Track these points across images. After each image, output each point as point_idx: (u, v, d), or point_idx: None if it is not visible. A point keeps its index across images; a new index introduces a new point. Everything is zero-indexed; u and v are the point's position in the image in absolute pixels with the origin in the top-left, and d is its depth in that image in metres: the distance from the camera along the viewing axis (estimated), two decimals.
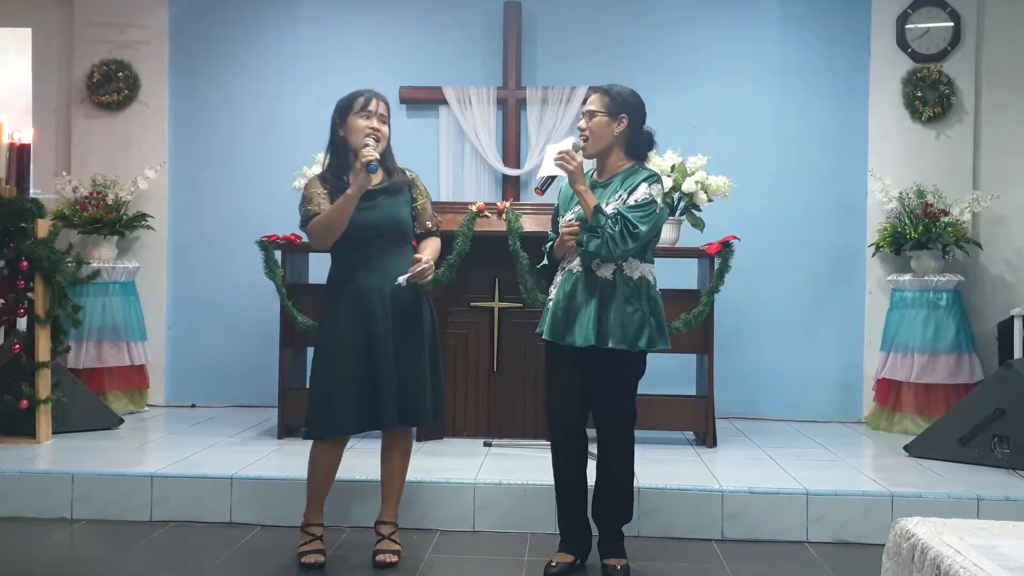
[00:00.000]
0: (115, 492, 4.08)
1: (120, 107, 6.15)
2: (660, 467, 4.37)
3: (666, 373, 5.43)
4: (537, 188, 3.43)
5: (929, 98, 5.83)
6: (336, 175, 3.50)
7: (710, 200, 5.13)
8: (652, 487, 3.99)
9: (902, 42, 5.91)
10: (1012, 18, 5.85)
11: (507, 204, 5.02)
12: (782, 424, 5.78)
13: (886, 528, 2.43)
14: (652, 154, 5.10)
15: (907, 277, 5.58)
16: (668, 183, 5.03)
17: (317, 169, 5.02)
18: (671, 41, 6.14)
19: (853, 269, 6.00)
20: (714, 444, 4.96)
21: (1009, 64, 5.83)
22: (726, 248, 4.90)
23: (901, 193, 5.63)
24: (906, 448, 4.84)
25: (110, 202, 5.82)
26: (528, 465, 4.35)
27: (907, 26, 5.90)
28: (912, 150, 5.88)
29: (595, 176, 3.50)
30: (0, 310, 4.95)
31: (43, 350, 4.90)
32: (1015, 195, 5.71)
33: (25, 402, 4.80)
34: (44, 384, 4.89)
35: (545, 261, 3.58)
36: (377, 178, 3.50)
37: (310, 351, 4.42)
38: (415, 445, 4.79)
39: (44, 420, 4.86)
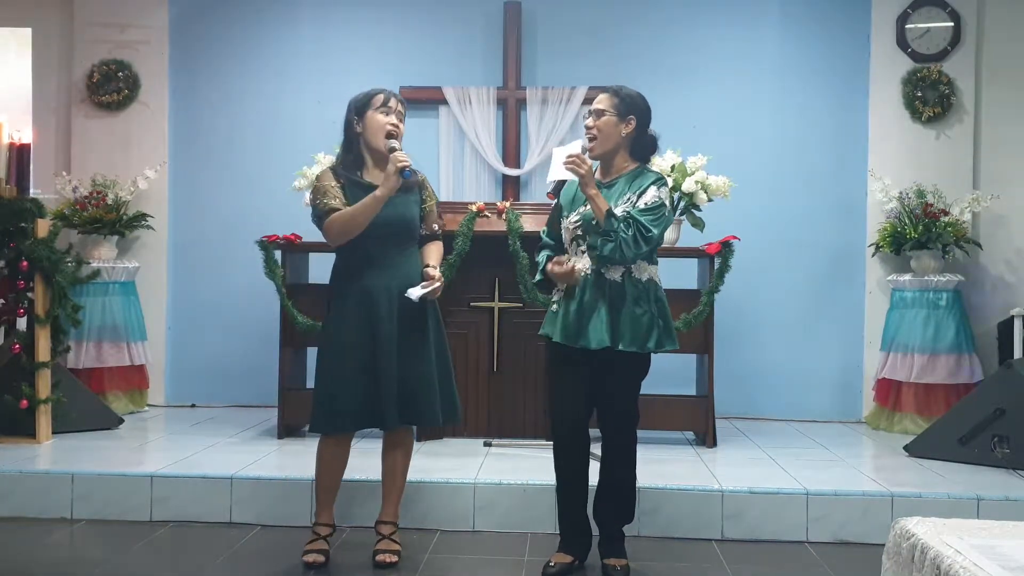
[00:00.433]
0: (115, 492, 4.08)
1: (120, 107, 6.15)
2: (660, 467, 4.37)
3: (666, 373, 5.42)
4: (550, 193, 3.41)
5: (929, 98, 5.83)
6: (349, 170, 3.50)
7: (710, 200, 5.12)
8: (652, 487, 3.99)
9: (902, 42, 5.91)
10: (1012, 18, 5.85)
11: (507, 204, 5.02)
12: (782, 424, 5.78)
13: (886, 528, 2.43)
14: (653, 155, 5.13)
15: (907, 277, 5.58)
16: (668, 183, 5.02)
17: (317, 169, 5.04)
18: (671, 41, 6.14)
19: (853, 269, 6.00)
20: (714, 444, 4.96)
21: (1009, 64, 5.83)
22: (726, 248, 4.90)
23: (901, 193, 5.63)
24: (906, 448, 4.83)
25: (110, 202, 5.82)
26: (528, 465, 4.35)
27: (907, 26, 5.90)
28: (912, 150, 5.88)
29: (598, 176, 3.50)
30: (0, 310, 4.95)
31: (43, 350, 4.90)
32: (1015, 195, 5.71)
33: (25, 402, 4.80)
34: (44, 384, 4.89)
35: (540, 276, 3.54)
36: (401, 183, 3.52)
37: (310, 351, 4.42)
38: (415, 445, 4.80)
39: (44, 420, 4.86)
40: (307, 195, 4.80)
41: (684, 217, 5.16)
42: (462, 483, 4.05)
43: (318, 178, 3.51)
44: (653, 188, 3.38)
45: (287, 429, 5.01)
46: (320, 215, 3.43)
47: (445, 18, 6.19)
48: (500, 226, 4.90)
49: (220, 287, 6.16)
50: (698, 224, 5.15)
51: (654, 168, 4.99)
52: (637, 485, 3.67)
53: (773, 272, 5.98)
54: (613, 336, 3.31)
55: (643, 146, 3.51)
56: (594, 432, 3.51)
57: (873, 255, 5.86)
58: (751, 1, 6.12)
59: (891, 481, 4.19)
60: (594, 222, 3.34)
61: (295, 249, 5.15)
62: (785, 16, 6.09)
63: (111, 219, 5.78)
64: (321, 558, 3.48)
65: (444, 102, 6.13)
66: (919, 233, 5.45)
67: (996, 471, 4.40)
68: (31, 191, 5.18)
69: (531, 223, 4.90)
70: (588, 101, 5.81)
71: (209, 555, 3.63)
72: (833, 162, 6.03)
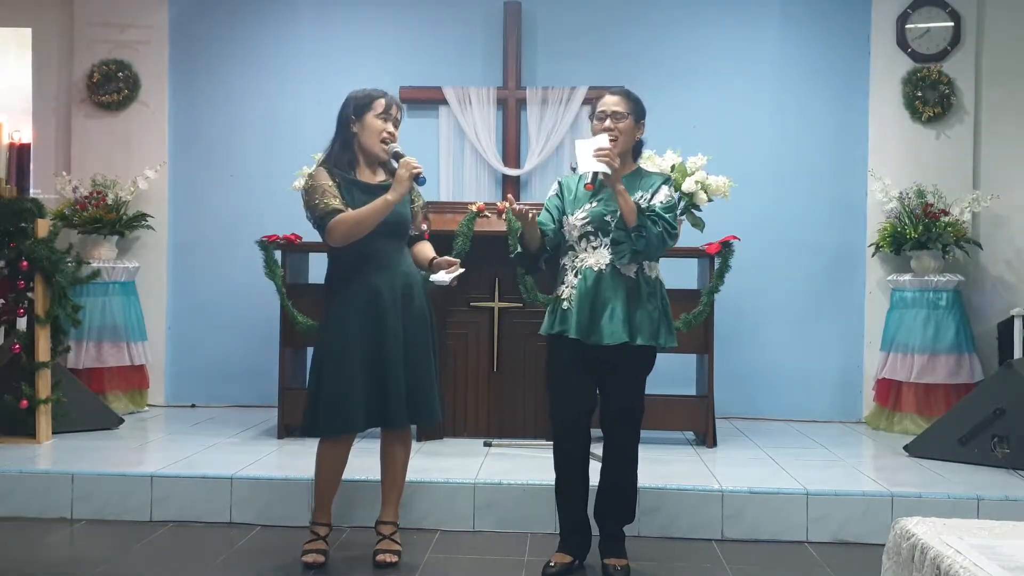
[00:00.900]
0: (115, 492, 4.08)
1: (120, 107, 6.15)
2: (660, 467, 4.37)
3: (666, 373, 5.42)
4: (589, 184, 3.33)
5: (929, 98, 5.83)
6: (343, 168, 3.48)
7: (710, 200, 5.12)
8: (652, 487, 3.99)
9: (902, 42, 5.91)
10: (1012, 18, 5.85)
11: (506, 204, 5.02)
12: (782, 424, 5.78)
13: (886, 528, 2.43)
14: (652, 154, 5.15)
15: (907, 277, 5.58)
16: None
17: None
18: (671, 41, 6.14)
19: (853, 269, 6.00)
20: (714, 444, 4.96)
21: (1009, 64, 5.83)
22: (726, 248, 4.90)
23: (901, 193, 5.63)
24: (906, 448, 4.83)
25: (110, 202, 5.82)
26: (528, 465, 4.35)
27: (907, 26, 5.90)
28: (912, 150, 5.88)
29: (579, 172, 3.47)
30: (0, 310, 4.95)
31: (43, 350, 4.90)
32: (1015, 195, 5.71)
33: (25, 402, 4.80)
34: (44, 384, 4.89)
35: (519, 249, 3.51)
36: (382, 175, 3.52)
37: (311, 351, 4.42)
38: (415, 445, 4.80)
39: (44, 420, 4.86)
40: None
41: (684, 217, 5.16)
42: (462, 483, 4.05)
43: (312, 177, 3.46)
44: (665, 188, 3.45)
45: (287, 429, 5.01)
46: (322, 215, 3.38)
47: (445, 18, 6.20)
48: (500, 226, 4.90)
49: (220, 287, 6.16)
50: (698, 224, 5.15)
51: (653, 168, 5.00)
52: (638, 485, 3.67)
53: (773, 272, 5.98)
54: (631, 332, 3.32)
55: (639, 148, 3.56)
56: (594, 432, 3.51)
57: (873, 255, 5.86)
58: (751, 1, 6.12)
59: (891, 481, 4.20)
60: (606, 218, 3.35)
61: (295, 249, 5.15)
62: (785, 16, 6.09)
63: (111, 219, 5.78)
64: (321, 558, 3.48)
65: (444, 102, 6.14)
66: (919, 233, 5.45)
67: (996, 471, 4.39)
68: (31, 191, 5.18)
69: None
70: (588, 101, 5.83)
71: (209, 555, 3.63)
72: (833, 162, 6.03)
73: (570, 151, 5.88)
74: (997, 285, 5.81)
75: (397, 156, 3.43)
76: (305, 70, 6.21)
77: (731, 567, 3.59)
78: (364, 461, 4.00)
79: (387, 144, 3.48)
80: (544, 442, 4.75)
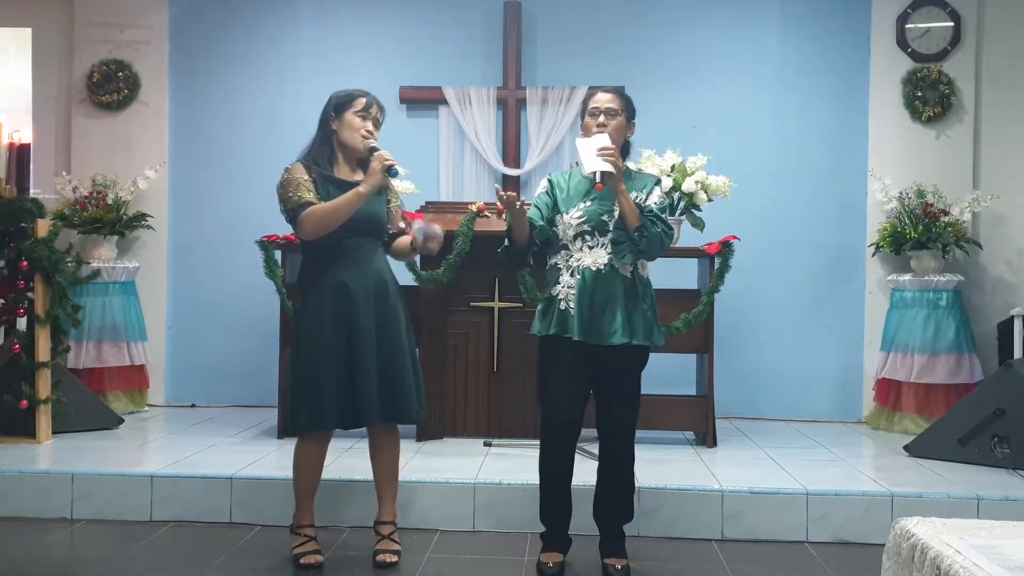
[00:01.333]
0: (115, 492, 4.08)
1: (120, 107, 6.15)
2: (660, 467, 4.37)
3: (666, 373, 5.43)
4: (599, 184, 3.30)
5: (929, 98, 5.83)
6: (322, 164, 3.48)
7: (710, 200, 5.12)
8: (652, 487, 3.99)
9: (902, 42, 5.91)
10: (1012, 18, 5.85)
11: (499, 193, 5.00)
12: (782, 424, 5.78)
13: (886, 528, 2.42)
14: (652, 154, 5.14)
15: (907, 277, 5.58)
16: (668, 183, 5.03)
17: None
18: (671, 41, 6.14)
19: (853, 269, 6.00)
20: (714, 444, 4.96)
21: (1009, 64, 5.83)
22: (726, 248, 4.90)
23: (901, 193, 5.63)
24: (906, 448, 4.83)
25: (110, 202, 5.82)
26: (528, 465, 4.33)
27: (907, 26, 5.90)
28: (912, 150, 5.88)
29: (586, 172, 3.46)
30: (0, 310, 4.95)
31: (43, 350, 4.90)
32: (1015, 195, 5.71)
33: (25, 402, 4.80)
34: (44, 384, 4.89)
35: (507, 242, 3.49)
36: (361, 174, 3.50)
37: None
38: (415, 445, 4.82)
39: (44, 420, 4.86)
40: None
41: (684, 217, 5.16)
42: (462, 483, 4.05)
43: (288, 171, 3.46)
44: (658, 189, 3.47)
45: (287, 429, 5.01)
46: (295, 208, 3.38)
47: (445, 18, 6.19)
48: (500, 226, 4.86)
49: (220, 287, 6.16)
50: (698, 224, 5.15)
51: (653, 168, 5.00)
52: (637, 485, 3.67)
53: (773, 272, 5.98)
54: (631, 332, 3.33)
55: (628, 147, 3.55)
56: (590, 432, 3.50)
57: (873, 255, 5.86)
58: (751, 1, 6.11)
59: (891, 481, 4.19)
60: (603, 217, 3.34)
61: (295, 249, 5.13)
62: (785, 16, 6.09)
63: (111, 219, 5.79)
64: (320, 558, 3.48)
65: (444, 102, 6.14)
66: (919, 233, 5.45)
67: (996, 471, 4.39)
68: (31, 191, 5.19)
69: None
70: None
71: (209, 555, 3.63)
72: (833, 162, 6.03)
73: (570, 151, 5.89)
74: (997, 285, 5.81)
75: (372, 150, 3.42)
76: (305, 70, 6.21)
77: (731, 567, 3.59)
78: (360, 461, 4.01)
79: (366, 143, 3.46)
80: None
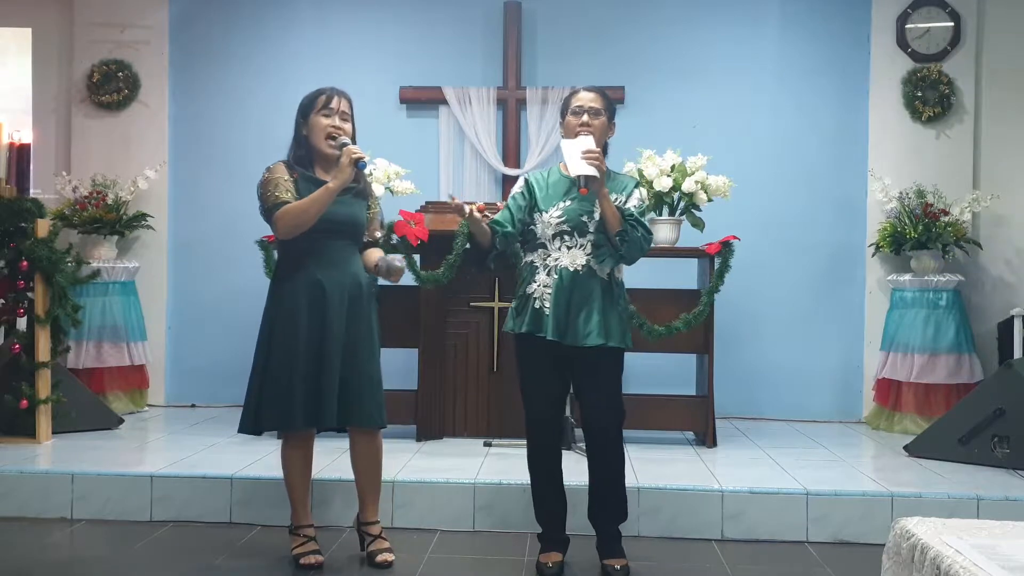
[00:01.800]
0: (115, 492, 4.08)
1: (120, 107, 6.15)
2: (660, 467, 4.37)
3: (666, 373, 5.44)
4: (583, 188, 3.30)
5: (929, 98, 5.83)
6: (302, 164, 3.49)
7: (710, 200, 5.12)
8: (652, 487, 3.99)
9: (902, 42, 5.91)
10: (1012, 18, 5.84)
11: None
12: (782, 424, 5.78)
13: (886, 528, 2.42)
14: (652, 154, 5.14)
15: (907, 277, 5.58)
16: (668, 183, 5.03)
17: None
18: (671, 41, 6.14)
19: (853, 269, 6.00)
20: (714, 444, 4.96)
21: (1009, 64, 5.83)
22: (726, 248, 4.90)
23: (901, 193, 5.63)
24: (906, 448, 4.83)
25: (110, 202, 5.82)
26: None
27: (907, 26, 5.90)
28: (912, 150, 5.88)
29: (564, 171, 3.44)
30: (0, 310, 4.95)
31: (43, 350, 4.90)
32: (1015, 195, 5.71)
33: (25, 402, 4.80)
34: (44, 384, 4.89)
35: (467, 244, 3.51)
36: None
37: None
38: (415, 445, 4.82)
39: (44, 420, 4.86)
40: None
41: (684, 217, 5.16)
42: (462, 483, 4.05)
43: (269, 170, 3.46)
44: (637, 191, 3.46)
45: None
46: (270, 207, 3.39)
47: (445, 18, 6.19)
48: None
49: (220, 287, 6.16)
50: (698, 224, 5.15)
51: (653, 167, 5.00)
52: (637, 485, 3.67)
53: (773, 272, 5.98)
54: (606, 333, 3.33)
55: (606, 149, 3.51)
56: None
57: (873, 255, 5.86)
58: (751, 1, 6.11)
59: (891, 481, 4.20)
60: (583, 218, 3.33)
61: None
62: (785, 16, 6.09)
63: (111, 219, 5.78)
64: (320, 558, 3.48)
65: (444, 102, 6.14)
66: (919, 233, 5.45)
67: (996, 471, 4.39)
68: (31, 191, 5.18)
69: None
70: None
71: (209, 555, 3.63)
72: (833, 162, 6.03)
73: None
74: (997, 285, 5.81)
75: (343, 145, 3.40)
76: (305, 70, 6.19)
77: (731, 567, 3.59)
78: None
79: (335, 139, 3.45)
80: None
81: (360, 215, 3.54)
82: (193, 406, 6.16)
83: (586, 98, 3.45)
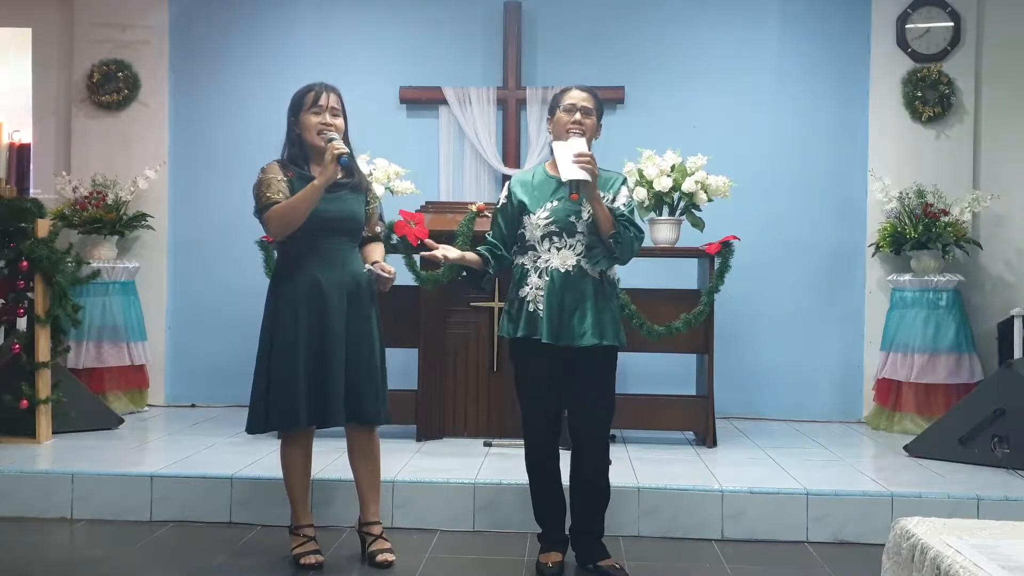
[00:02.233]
0: (115, 492, 4.08)
1: (120, 107, 6.15)
2: (660, 467, 4.37)
3: (666, 373, 5.44)
4: (574, 194, 3.27)
5: (929, 98, 5.83)
6: (296, 163, 3.49)
7: (710, 200, 5.12)
8: (652, 487, 3.99)
9: (902, 42, 5.91)
10: (1012, 18, 5.85)
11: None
12: (782, 424, 5.78)
13: (886, 528, 2.43)
14: (652, 154, 5.14)
15: (907, 277, 5.58)
16: (668, 183, 5.03)
17: None
18: (671, 41, 6.14)
19: (853, 269, 6.00)
20: (714, 444, 4.96)
21: (1009, 64, 5.83)
22: (726, 248, 4.90)
23: (901, 193, 5.63)
24: (906, 448, 4.83)
25: (110, 202, 5.82)
26: None
27: (907, 26, 5.90)
28: (912, 150, 5.88)
29: (550, 170, 3.44)
30: (0, 310, 4.95)
31: (43, 350, 4.90)
32: (1015, 195, 5.71)
33: (25, 402, 4.81)
34: (44, 384, 4.89)
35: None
36: (340, 172, 3.49)
37: None
38: (415, 445, 4.82)
39: (44, 420, 4.86)
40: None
41: (684, 217, 5.16)
42: (462, 483, 4.05)
43: (264, 170, 3.46)
44: (625, 188, 3.45)
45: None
46: (262, 208, 3.39)
47: (445, 18, 6.19)
48: None
49: (220, 287, 6.16)
50: (698, 224, 5.15)
51: (653, 167, 4.99)
52: (637, 485, 3.66)
53: (773, 272, 5.98)
54: (600, 333, 3.32)
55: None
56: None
57: (873, 255, 5.86)
58: (751, 1, 6.11)
59: (891, 481, 4.20)
60: (571, 218, 3.32)
61: None
62: (785, 16, 6.09)
63: (111, 219, 5.78)
64: (320, 558, 3.48)
65: (444, 102, 6.14)
66: (919, 233, 5.45)
67: (996, 471, 4.39)
68: (31, 191, 5.19)
69: None
70: None
71: (209, 555, 3.63)
72: (833, 162, 6.03)
73: None
74: (997, 285, 5.81)
75: (329, 141, 3.39)
76: (305, 70, 6.17)
77: (731, 567, 3.59)
78: None
79: (323, 135, 3.44)
80: None
81: (358, 210, 3.53)
82: (193, 406, 6.16)
83: (579, 97, 3.43)
